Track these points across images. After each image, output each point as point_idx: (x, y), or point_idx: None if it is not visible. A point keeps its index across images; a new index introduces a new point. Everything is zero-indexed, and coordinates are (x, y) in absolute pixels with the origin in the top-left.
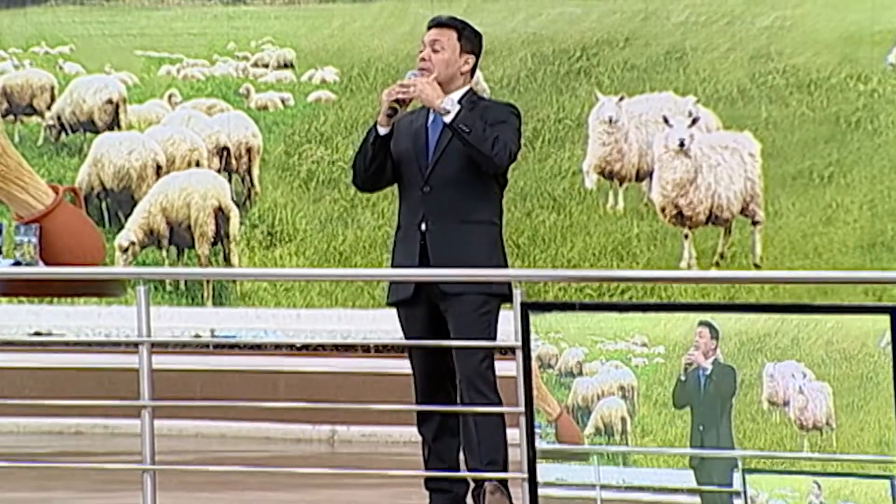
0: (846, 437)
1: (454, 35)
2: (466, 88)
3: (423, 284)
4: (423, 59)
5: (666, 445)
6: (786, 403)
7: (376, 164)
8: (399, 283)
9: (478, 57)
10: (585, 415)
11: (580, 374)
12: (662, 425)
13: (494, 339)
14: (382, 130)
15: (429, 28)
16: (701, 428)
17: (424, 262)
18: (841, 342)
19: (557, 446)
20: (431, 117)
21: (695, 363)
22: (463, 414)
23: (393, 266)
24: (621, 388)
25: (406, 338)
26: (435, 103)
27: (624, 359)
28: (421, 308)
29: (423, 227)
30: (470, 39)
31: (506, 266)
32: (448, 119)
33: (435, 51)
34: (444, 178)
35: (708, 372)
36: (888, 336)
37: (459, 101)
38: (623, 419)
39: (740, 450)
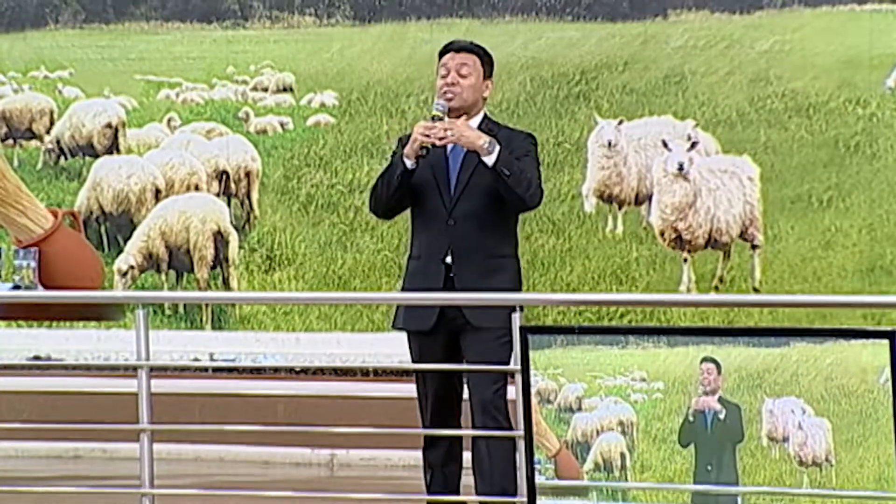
0: (845, 474)
1: (478, 60)
2: (483, 113)
3: (444, 316)
4: (450, 85)
5: (665, 481)
6: (785, 439)
7: (399, 195)
8: (417, 311)
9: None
10: (585, 450)
11: (579, 409)
12: (662, 461)
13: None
14: (410, 164)
15: (446, 52)
16: (709, 468)
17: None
18: (840, 378)
19: (557, 482)
20: (451, 146)
21: (706, 408)
22: (474, 441)
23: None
24: (620, 423)
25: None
26: (478, 144)
27: (623, 394)
28: (440, 338)
29: (449, 259)
30: (490, 65)
31: None
32: (490, 161)
33: (462, 76)
34: (469, 211)
35: (721, 415)
36: (888, 371)
37: (479, 127)
38: (622, 455)
39: (739, 485)
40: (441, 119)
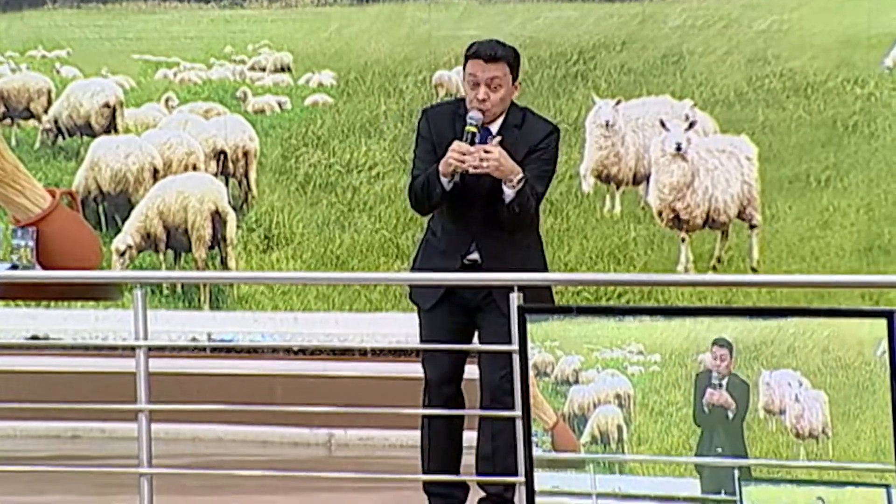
0: (842, 446)
1: (508, 69)
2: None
3: (453, 294)
4: (481, 101)
5: (662, 453)
6: (782, 412)
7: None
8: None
9: None
10: (582, 423)
11: (576, 382)
12: (658, 433)
13: None
14: (447, 183)
15: (475, 56)
16: (720, 450)
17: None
18: (837, 350)
19: (554, 455)
20: (479, 136)
21: (724, 404)
22: (480, 424)
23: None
24: (617, 396)
25: (427, 340)
26: (509, 177)
27: (620, 367)
28: (449, 316)
29: (475, 256)
30: (518, 67)
31: None
32: (508, 198)
33: (494, 89)
34: (494, 212)
35: (731, 413)
36: (884, 344)
37: (506, 118)
38: (619, 427)
39: (735, 458)
40: (476, 131)
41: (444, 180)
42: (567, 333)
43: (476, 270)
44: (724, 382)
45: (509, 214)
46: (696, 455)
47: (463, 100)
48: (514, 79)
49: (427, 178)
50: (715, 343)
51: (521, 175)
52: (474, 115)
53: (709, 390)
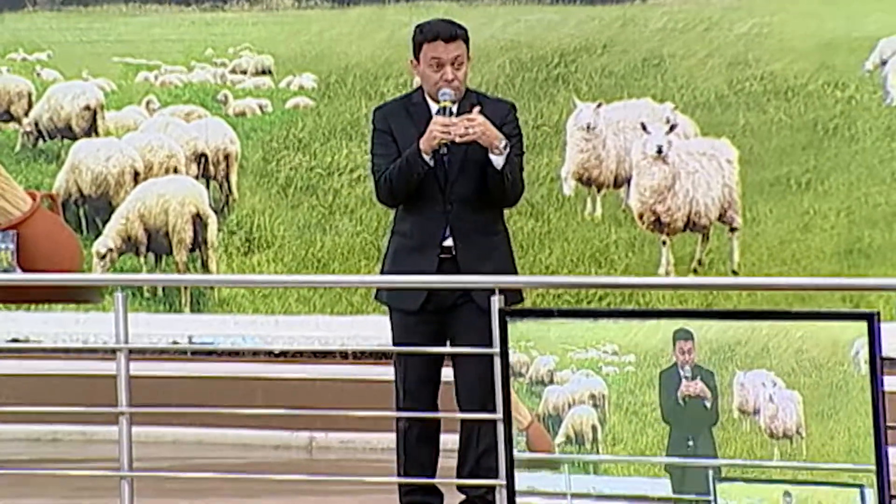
0: (816, 446)
1: (465, 45)
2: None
3: (432, 295)
4: (449, 81)
5: (637, 454)
6: (756, 412)
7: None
8: (408, 291)
9: None
10: (556, 423)
11: (551, 382)
12: (633, 434)
13: None
14: (429, 159)
15: (434, 38)
16: (690, 443)
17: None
18: (811, 351)
19: (529, 455)
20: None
21: (699, 395)
22: (463, 427)
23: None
24: (592, 396)
25: (400, 344)
26: (495, 143)
27: (595, 367)
28: (425, 318)
29: (449, 242)
30: (469, 42)
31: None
32: (499, 164)
33: (457, 67)
34: (466, 194)
35: (708, 403)
36: (858, 344)
37: (462, 101)
38: (594, 427)
39: (710, 458)
40: (450, 108)
41: (426, 157)
42: (542, 334)
43: (451, 259)
44: (695, 373)
45: (503, 181)
46: (668, 452)
47: (410, 95)
48: (470, 56)
49: (406, 160)
50: (678, 337)
51: (505, 140)
52: (447, 92)
53: (684, 382)
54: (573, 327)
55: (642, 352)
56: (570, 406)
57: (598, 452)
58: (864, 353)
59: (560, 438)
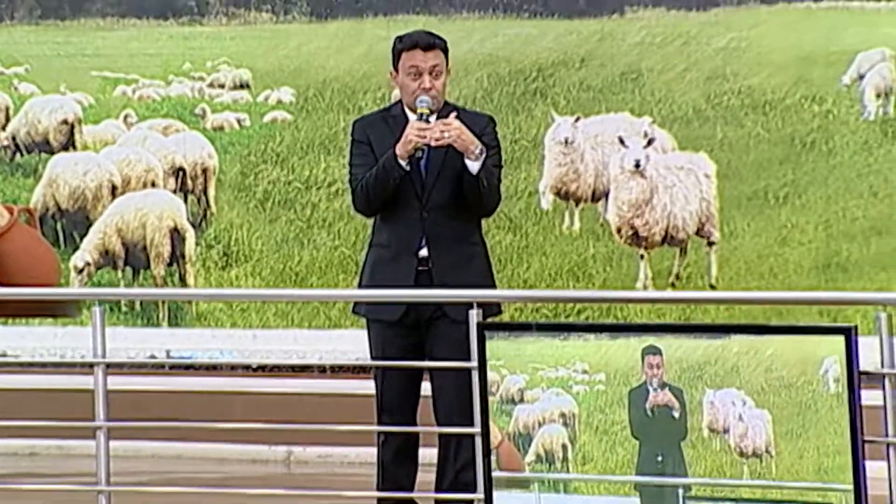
0: (785, 465)
1: (443, 56)
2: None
3: (411, 307)
4: (427, 90)
5: (607, 472)
6: (726, 431)
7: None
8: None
9: None
10: (526, 442)
11: (521, 401)
12: (603, 452)
13: None
14: (406, 164)
15: (413, 47)
16: (660, 458)
17: (423, 287)
18: (781, 370)
19: (499, 474)
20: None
21: (666, 404)
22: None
23: (375, 288)
24: (562, 415)
25: (378, 357)
26: (471, 148)
27: (565, 386)
28: (403, 330)
29: (425, 252)
30: (448, 53)
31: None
32: (475, 169)
33: (436, 77)
34: (442, 201)
35: (677, 414)
36: (828, 363)
37: (440, 114)
38: (564, 446)
39: (680, 475)
40: (429, 115)
41: (402, 162)
42: (512, 352)
43: (428, 272)
44: (663, 387)
45: (479, 187)
46: (637, 468)
47: (389, 107)
48: (448, 67)
49: (383, 166)
50: (647, 352)
51: (481, 146)
52: (424, 99)
53: (651, 392)
54: (543, 346)
55: (612, 370)
56: (540, 425)
57: (568, 471)
58: (834, 372)
59: (530, 457)
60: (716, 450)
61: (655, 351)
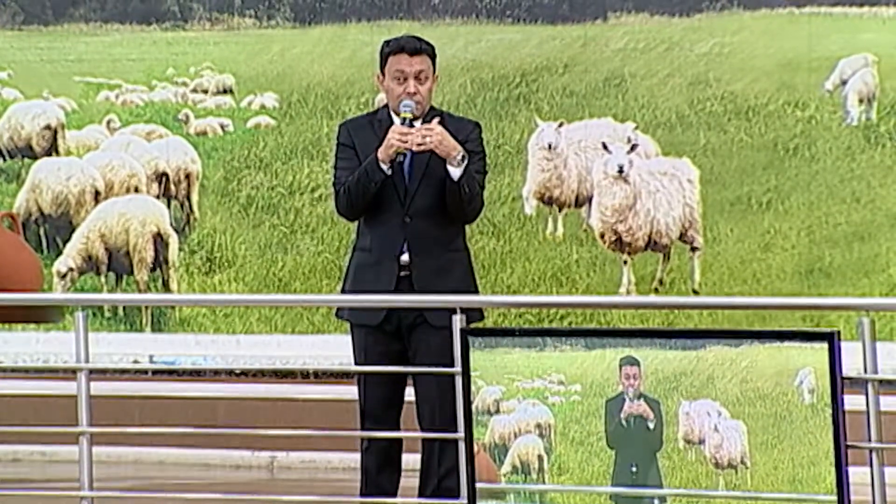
0: (760, 476)
1: (430, 61)
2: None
3: (394, 312)
4: (411, 94)
5: (583, 483)
6: (701, 441)
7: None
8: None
9: None
10: (502, 453)
11: (497, 412)
12: (579, 463)
13: None
14: (387, 169)
15: (399, 51)
16: (634, 469)
17: (404, 292)
18: (755, 381)
19: (478, 484)
20: (415, 124)
21: (641, 414)
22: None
23: (358, 292)
24: (538, 426)
25: (361, 363)
26: (452, 154)
27: (541, 397)
28: (387, 334)
29: (406, 257)
30: (435, 60)
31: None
32: (456, 175)
33: (421, 82)
34: (425, 207)
35: (652, 424)
36: (802, 374)
37: (426, 118)
38: (540, 457)
39: (655, 486)
40: (412, 120)
41: (383, 166)
42: (489, 363)
43: (409, 278)
44: (639, 398)
45: (460, 193)
46: (613, 479)
47: (376, 111)
48: (435, 72)
49: (365, 169)
50: (624, 362)
51: (463, 152)
52: (408, 103)
53: (626, 402)
54: (520, 357)
55: (588, 381)
56: (516, 435)
57: (544, 482)
58: (809, 383)
59: (506, 468)
60: (691, 461)
61: (632, 361)
